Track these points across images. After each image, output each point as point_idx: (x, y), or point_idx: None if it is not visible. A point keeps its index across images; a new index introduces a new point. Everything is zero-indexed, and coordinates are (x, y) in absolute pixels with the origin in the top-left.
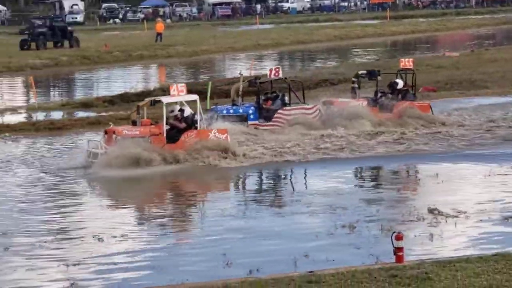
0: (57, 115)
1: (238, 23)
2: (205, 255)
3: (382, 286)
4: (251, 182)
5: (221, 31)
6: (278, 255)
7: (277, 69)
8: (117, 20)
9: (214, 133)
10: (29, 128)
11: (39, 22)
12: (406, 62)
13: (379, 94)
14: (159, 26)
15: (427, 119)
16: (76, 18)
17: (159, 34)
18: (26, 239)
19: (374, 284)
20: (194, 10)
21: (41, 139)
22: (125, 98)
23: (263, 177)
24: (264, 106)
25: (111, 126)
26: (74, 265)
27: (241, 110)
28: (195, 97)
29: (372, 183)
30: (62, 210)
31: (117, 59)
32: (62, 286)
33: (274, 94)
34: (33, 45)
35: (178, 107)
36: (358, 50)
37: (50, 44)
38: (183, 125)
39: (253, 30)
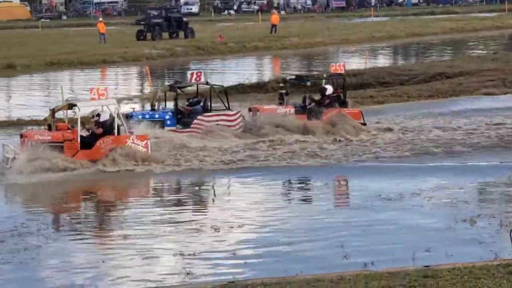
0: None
1: (352, 15)
2: (322, 247)
3: (499, 282)
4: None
5: (335, 23)
6: (396, 249)
7: (198, 73)
8: (232, 11)
9: (133, 140)
10: None
11: (155, 12)
12: (337, 67)
13: (308, 101)
14: (274, 17)
15: (356, 126)
16: (191, 9)
17: (274, 26)
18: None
19: (491, 281)
20: (309, 1)
21: None
22: (240, 90)
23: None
24: (183, 111)
25: (26, 130)
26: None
27: (157, 116)
28: (112, 101)
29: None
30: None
31: (231, 50)
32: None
33: (196, 99)
34: (149, 35)
35: (99, 111)
36: (475, 42)
37: (165, 34)
38: (99, 130)
39: (367, 22)
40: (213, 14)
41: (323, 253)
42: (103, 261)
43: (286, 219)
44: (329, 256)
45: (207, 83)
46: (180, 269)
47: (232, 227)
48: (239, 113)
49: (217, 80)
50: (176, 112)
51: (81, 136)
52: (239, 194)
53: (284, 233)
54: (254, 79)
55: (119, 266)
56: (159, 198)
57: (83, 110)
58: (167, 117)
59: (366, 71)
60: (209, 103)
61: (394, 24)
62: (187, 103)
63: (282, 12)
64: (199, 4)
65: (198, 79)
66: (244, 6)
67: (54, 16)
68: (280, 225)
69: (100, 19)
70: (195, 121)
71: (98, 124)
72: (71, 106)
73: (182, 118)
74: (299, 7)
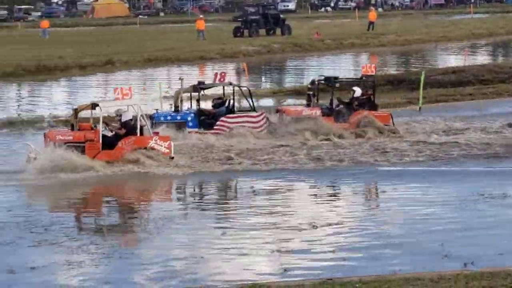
0: (268, 102)
1: (451, 12)
2: (421, 245)
3: None
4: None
5: (434, 20)
6: (499, 248)
7: (222, 74)
8: (329, 8)
9: (155, 141)
10: None
11: (252, 9)
12: (368, 68)
13: (336, 103)
14: (372, 14)
15: (384, 129)
16: (288, 6)
17: (371, 23)
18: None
19: None
20: None
21: None
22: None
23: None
24: (206, 112)
25: (49, 130)
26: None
27: (178, 117)
28: (135, 101)
29: None
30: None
31: (328, 47)
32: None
33: (220, 101)
34: (246, 32)
35: (127, 111)
36: None
37: (262, 31)
38: (122, 131)
39: (466, 19)
40: (309, 11)
41: (422, 251)
42: (201, 257)
43: (382, 219)
44: (428, 255)
45: (230, 84)
46: (278, 266)
47: (330, 225)
48: (263, 115)
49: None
50: (199, 113)
51: (104, 136)
52: (330, 194)
53: (381, 232)
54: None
55: (216, 263)
56: (250, 198)
57: (105, 110)
58: (189, 118)
59: (465, 69)
60: (234, 104)
61: (494, 21)
62: (212, 104)
63: (380, 10)
64: (295, 1)
65: (222, 79)
66: (341, 3)
67: (152, 13)
68: (377, 225)
69: (201, 16)
70: (218, 122)
71: (121, 124)
72: (94, 106)
73: (206, 120)
74: (397, 4)
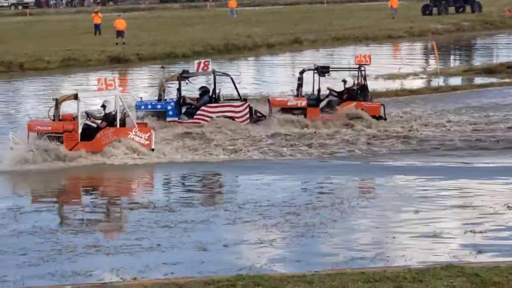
0: (457, 81)
1: None
2: None
3: None
4: None
5: None
6: None
7: (206, 63)
8: None
9: (135, 132)
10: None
11: None
12: (362, 58)
13: (327, 93)
14: None
15: (370, 121)
16: None
17: None
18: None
19: None
20: None
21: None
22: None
23: None
24: (187, 101)
25: (31, 120)
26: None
27: (159, 106)
28: (114, 92)
29: None
30: None
31: None
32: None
33: (203, 89)
34: (435, 10)
35: (110, 103)
36: None
37: (451, 9)
38: (103, 124)
39: None
40: None
41: None
42: (394, 237)
43: None
44: None
45: (213, 73)
46: (471, 247)
47: None
48: (246, 105)
49: (504, 55)
50: (179, 102)
51: (89, 127)
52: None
53: None
54: None
55: (403, 245)
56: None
57: (85, 100)
58: (169, 107)
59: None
60: (221, 94)
61: None
62: (199, 93)
63: None
64: None
65: (205, 68)
66: None
67: None
68: None
69: None
70: (198, 111)
71: (104, 116)
72: (76, 96)
73: (189, 109)
74: None
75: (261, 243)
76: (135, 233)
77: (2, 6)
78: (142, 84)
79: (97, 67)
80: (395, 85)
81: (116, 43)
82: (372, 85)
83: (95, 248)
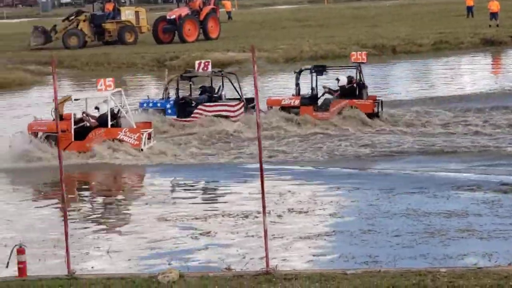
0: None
1: None
2: None
3: None
4: None
5: None
6: None
7: (206, 63)
8: None
9: (125, 132)
10: None
11: None
12: (359, 56)
13: (323, 91)
14: None
15: (363, 120)
16: None
17: None
18: None
19: None
20: None
21: None
22: None
23: None
24: (187, 100)
25: (33, 119)
26: None
27: (158, 104)
28: (106, 94)
29: None
30: None
31: None
32: None
33: (202, 89)
34: None
35: (103, 104)
36: None
37: None
38: (94, 123)
39: None
40: None
41: None
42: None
43: None
44: None
45: (213, 72)
46: None
47: None
48: (242, 104)
49: None
50: (179, 101)
51: (80, 127)
52: None
53: None
54: None
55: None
56: None
57: (78, 101)
58: (168, 106)
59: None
60: (223, 93)
61: None
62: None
63: None
64: None
65: (205, 68)
66: None
67: None
68: None
69: None
70: (195, 110)
71: (98, 117)
72: (70, 98)
73: (187, 108)
74: None
75: None
76: (510, 218)
77: None
78: None
79: (470, 50)
80: None
81: (490, 25)
82: None
83: (468, 232)
